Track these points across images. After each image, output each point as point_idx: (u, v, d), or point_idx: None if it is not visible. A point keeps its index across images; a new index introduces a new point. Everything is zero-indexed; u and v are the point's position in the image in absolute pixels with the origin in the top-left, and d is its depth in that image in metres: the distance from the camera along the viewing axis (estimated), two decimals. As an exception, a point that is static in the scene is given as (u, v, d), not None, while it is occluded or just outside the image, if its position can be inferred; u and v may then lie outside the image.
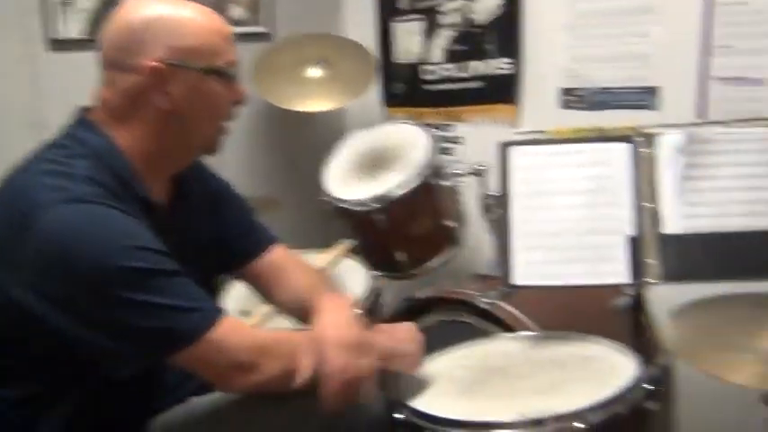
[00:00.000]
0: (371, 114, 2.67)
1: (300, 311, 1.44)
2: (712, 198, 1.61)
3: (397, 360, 1.40)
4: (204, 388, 1.35)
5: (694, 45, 2.05)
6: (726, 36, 2.01)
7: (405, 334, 1.44)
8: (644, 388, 1.38)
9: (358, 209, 2.03)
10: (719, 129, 1.67)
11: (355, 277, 1.94)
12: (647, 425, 1.40)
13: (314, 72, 2.42)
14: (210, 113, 1.32)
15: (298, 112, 2.38)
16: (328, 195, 2.12)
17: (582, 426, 1.27)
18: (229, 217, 1.50)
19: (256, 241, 1.52)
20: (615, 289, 1.97)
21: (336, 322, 1.31)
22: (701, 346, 1.35)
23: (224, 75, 1.28)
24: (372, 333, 1.38)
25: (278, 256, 1.52)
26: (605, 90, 2.26)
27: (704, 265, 1.57)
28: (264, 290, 1.53)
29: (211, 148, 1.36)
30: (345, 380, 1.23)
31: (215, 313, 1.20)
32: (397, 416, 1.38)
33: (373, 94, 2.65)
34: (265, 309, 1.81)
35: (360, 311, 1.76)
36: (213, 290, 1.56)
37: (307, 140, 2.60)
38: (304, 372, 1.23)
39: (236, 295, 1.93)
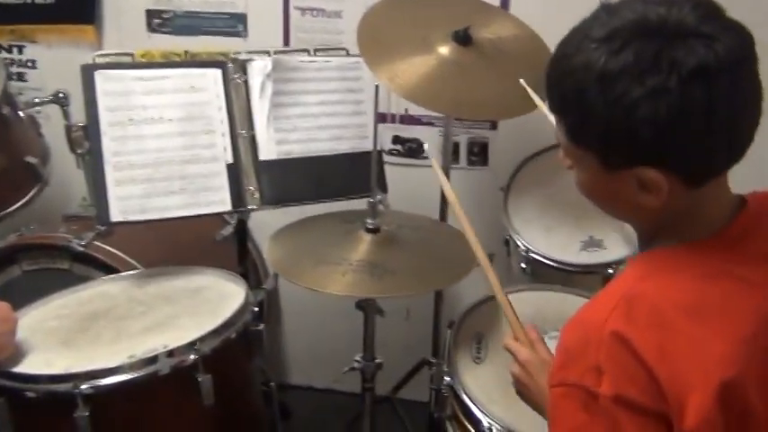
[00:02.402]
0: None
1: None
2: (301, 124, 1.74)
3: None
4: None
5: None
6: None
7: None
8: (252, 311, 1.46)
9: None
10: (304, 57, 1.78)
11: None
12: (256, 344, 1.50)
13: None
14: None
15: None
16: None
17: (195, 356, 1.30)
18: None
19: None
20: (218, 218, 2.04)
21: None
22: (300, 264, 1.48)
23: None
24: None
25: None
26: (192, 14, 2.24)
27: (298, 188, 1.70)
28: None
29: None
30: None
31: None
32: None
33: None
34: None
35: None
36: None
37: None
38: None
39: None
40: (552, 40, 1.78)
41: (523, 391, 1.08)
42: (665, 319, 0.78)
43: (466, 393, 1.42)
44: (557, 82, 0.84)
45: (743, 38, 0.78)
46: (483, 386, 1.44)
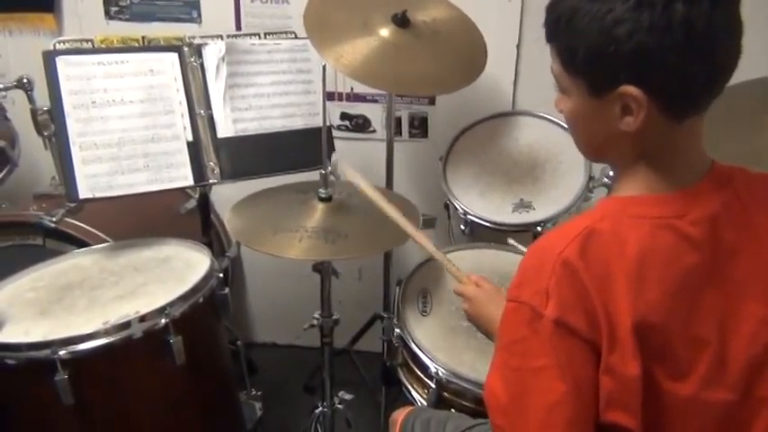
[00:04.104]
0: None
1: None
2: (255, 103, 1.71)
3: None
4: None
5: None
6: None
7: None
8: (217, 277, 1.45)
9: None
10: (255, 40, 1.74)
11: None
12: (222, 307, 1.49)
13: None
14: None
15: None
16: None
17: (165, 320, 1.29)
18: None
19: None
20: (182, 192, 2.00)
21: None
22: (260, 232, 1.47)
23: None
24: None
25: None
26: (148, 2, 2.16)
27: (255, 162, 1.68)
28: None
29: None
30: None
31: None
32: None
33: None
34: None
35: None
36: None
37: None
38: None
39: None
40: (481, 22, 1.81)
41: (475, 322, 1.17)
42: (613, 258, 0.80)
43: (414, 343, 1.44)
44: (554, 6, 0.83)
45: None
46: (429, 336, 1.46)
